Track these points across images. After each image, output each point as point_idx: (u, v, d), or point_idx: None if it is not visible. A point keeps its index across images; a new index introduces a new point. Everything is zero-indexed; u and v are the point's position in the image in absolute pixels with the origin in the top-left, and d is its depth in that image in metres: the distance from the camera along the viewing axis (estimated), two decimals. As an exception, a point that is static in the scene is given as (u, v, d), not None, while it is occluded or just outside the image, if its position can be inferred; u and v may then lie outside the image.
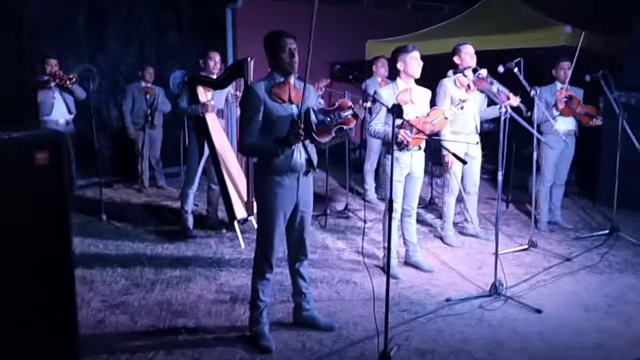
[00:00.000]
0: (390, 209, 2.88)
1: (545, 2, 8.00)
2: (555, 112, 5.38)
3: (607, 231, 5.42)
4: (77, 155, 6.69)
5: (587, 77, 5.31)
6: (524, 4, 8.21)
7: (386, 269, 2.98)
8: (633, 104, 6.18)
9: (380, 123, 4.28)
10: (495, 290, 4.01)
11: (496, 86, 4.51)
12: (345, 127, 3.23)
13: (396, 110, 2.77)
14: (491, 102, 4.98)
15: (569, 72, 5.41)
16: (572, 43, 6.97)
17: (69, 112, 6.27)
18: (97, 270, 4.46)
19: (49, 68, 6.05)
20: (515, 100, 4.63)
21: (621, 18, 6.94)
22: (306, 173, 3.28)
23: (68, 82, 5.97)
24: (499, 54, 5.40)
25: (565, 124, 5.45)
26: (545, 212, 5.73)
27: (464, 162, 2.93)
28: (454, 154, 2.69)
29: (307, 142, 3.22)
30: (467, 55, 4.88)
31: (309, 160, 3.27)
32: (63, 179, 2.06)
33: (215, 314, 3.71)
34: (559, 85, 5.48)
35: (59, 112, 6.19)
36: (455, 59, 4.97)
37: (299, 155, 3.20)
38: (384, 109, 4.23)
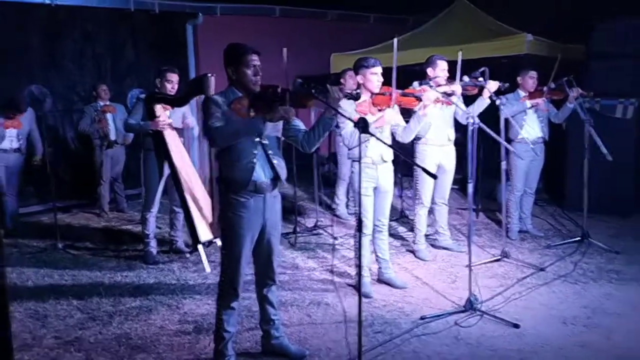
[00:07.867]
0: (359, 226, 2.73)
1: (504, 12, 8.05)
2: (524, 115, 5.35)
3: (578, 238, 5.37)
4: (32, 180, 6.36)
5: (552, 84, 5.30)
6: (485, 14, 8.25)
7: (358, 288, 2.81)
8: (597, 109, 6.20)
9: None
10: (470, 306, 3.88)
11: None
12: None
13: (361, 125, 2.62)
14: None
15: (536, 82, 5.41)
16: (534, 51, 7.03)
17: (18, 139, 6.03)
18: (50, 303, 4.17)
19: None
20: (494, 85, 4.72)
21: (578, 25, 6.99)
22: (273, 189, 3.09)
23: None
24: (463, 63, 5.37)
25: (533, 132, 5.41)
26: (516, 221, 5.66)
27: (434, 177, 2.80)
28: (423, 169, 2.56)
29: (273, 158, 3.04)
30: (441, 71, 4.85)
31: (274, 179, 3.08)
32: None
33: (177, 347, 3.47)
34: (521, 93, 5.46)
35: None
36: (429, 71, 4.92)
37: (263, 173, 3.02)
38: (349, 122, 4.11)
